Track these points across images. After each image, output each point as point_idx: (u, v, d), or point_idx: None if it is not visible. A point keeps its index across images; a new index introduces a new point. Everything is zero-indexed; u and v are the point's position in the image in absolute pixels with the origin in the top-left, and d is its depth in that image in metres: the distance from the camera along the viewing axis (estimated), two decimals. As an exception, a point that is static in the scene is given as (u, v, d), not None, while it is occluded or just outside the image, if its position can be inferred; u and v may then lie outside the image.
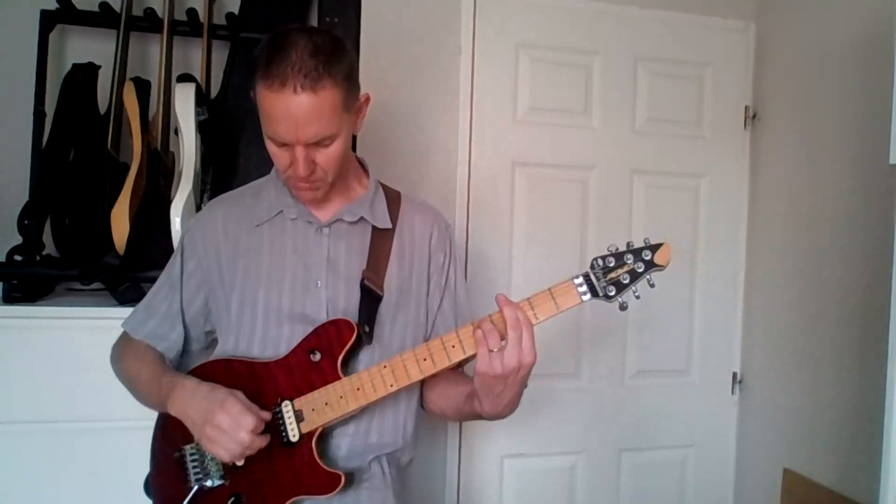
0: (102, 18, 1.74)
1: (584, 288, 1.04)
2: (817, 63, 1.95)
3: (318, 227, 1.18)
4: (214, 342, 1.25)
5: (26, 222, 1.53)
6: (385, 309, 1.18)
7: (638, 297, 1.04)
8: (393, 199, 1.26)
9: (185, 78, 1.73)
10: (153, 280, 1.61)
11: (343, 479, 1.07)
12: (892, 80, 1.19)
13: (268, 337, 1.16)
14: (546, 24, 2.06)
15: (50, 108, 1.69)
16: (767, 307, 2.11)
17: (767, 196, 2.16)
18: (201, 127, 1.67)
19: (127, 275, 1.53)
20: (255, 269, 1.17)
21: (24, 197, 1.60)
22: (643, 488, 2.20)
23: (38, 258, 1.55)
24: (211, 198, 1.72)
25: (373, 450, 1.18)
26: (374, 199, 1.22)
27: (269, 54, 1.02)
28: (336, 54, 1.04)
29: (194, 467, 1.12)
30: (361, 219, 1.20)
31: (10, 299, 1.50)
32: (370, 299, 1.16)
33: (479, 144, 2.01)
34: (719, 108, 2.21)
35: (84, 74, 1.72)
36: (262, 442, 1.05)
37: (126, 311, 1.49)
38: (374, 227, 1.20)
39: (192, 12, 1.78)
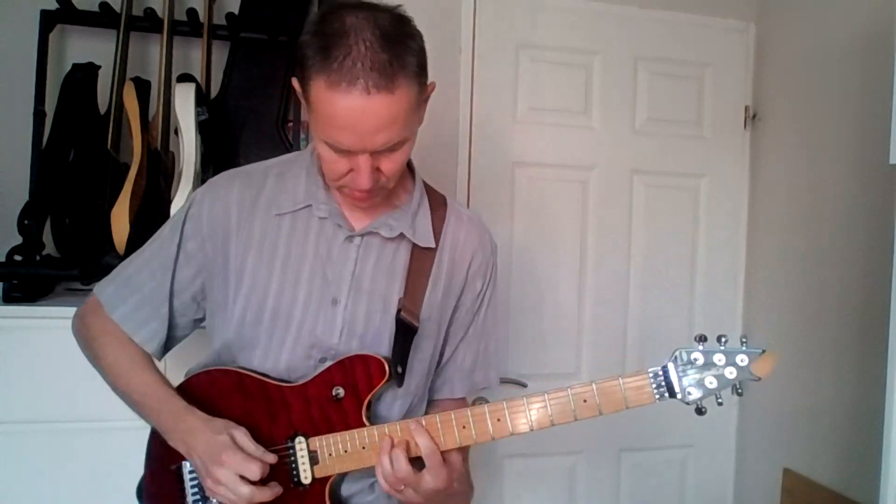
0: (102, 18, 1.73)
1: (661, 383, 0.90)
2: (817, 63, 1.95)
3: (349, 234, 1.01)
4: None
5: (26, 222, 1.53)
6: (415, 342, 1.03)
7: (720, 404, 0.92)
8: (437, 209, 1.08)
9: (185, 78, 1.73)
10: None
11: None
12: (892, 80, 1.19)
13: (269, 350, 1.01)
14: (546, 24, 2.06)
15: (50, 108, 1.69)
16: (767, 307, 2.11)
17: (767, 196, 2.16)
18: (201, 127, 1.67)
19: (127, 275, 1.52)
20: (267, 266, 1.01)
21: (24, 197, 1.60)
22: (643, 488, 2.20)
23: (38, 258, 1.55)
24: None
25: (373, 475, 1.04)
26: (417, 211, 1.05)
27: (325, 43, 0.83)
28: (408, 39, 0.87)
29: (192, 488, 1.01)
30: (400, 234, 1.02)
31: (10, 299, 1.49)
32: (405, 333, 1.00)
33: (479, 144, 2.01)
34: (719, 108, 2.21)
35: (84, 74, 1.72)
36: (269, 495, 0.93)
37: (126, 311, 1.49)
38: (414, 245, 1.03)
39: (192, 12, 1.78)
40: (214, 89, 1.84)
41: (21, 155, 1.66)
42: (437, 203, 1.09)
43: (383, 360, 0.97)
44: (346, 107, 0.83)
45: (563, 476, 2.13)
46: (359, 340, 1.01)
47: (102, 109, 1.74)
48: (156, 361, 1.10)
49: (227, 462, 0.90)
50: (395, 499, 1.02)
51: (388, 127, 0.86)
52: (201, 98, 1.69)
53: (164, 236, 1.08)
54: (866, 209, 1.75)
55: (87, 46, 1.80)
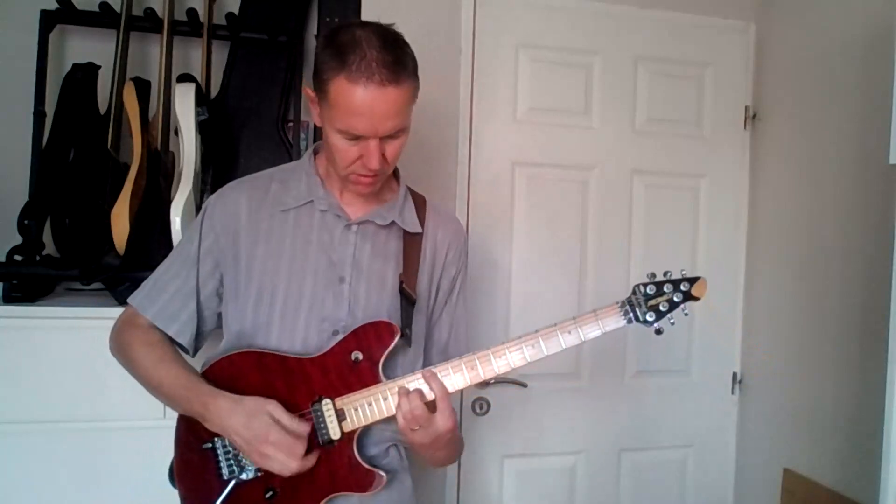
0: (102, 18, 1.74)
1: (627, 312, 1.12)
2: (817, 63, 1.95)
3: (348, 223, 1.18)
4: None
5: (26, 222, 1.53)
6: (413, 314, 1.20)
7: (673, 324, 1.14)
8: (419, 205, 1.27)
9: (185, 78, 1.73)
10: (153, 280, 1.62)
11: (385, 479, 1.11)
12: (892, 80, 1.19)
13: (285, 328, 1.14)
14: (546, 24, 2.06)
15: (50, 108, 1.69)
16: (767, 307, 2.11)
17: (767, 196, 2.16)
18: (201, 127, 1.68)
19: (127, 275, 1.53)
20: (276, 257, 1.15)
21: (24, 197, 1.60)
22: (643, 488, 2.20)
23: (38, 258, 1.55)
24: (211, 198, 1.72)
25: (389, 438, 1.20)
26: (404, 204, 1.24)
27: (339, 52, 1.02)
28: (405, 46, 1.07)
29: (228, 460, 1.11)
30: (392, 223, 1.20)
31: (10, 299, 1.50)
32: (407, 303, 1.17)
33: (479, 144, 2.01)
34: (719, 108, 2.21)
35: (84, 74, 1.72)
36: (312, 461, 1.06)
37: (126, 311, 1.50)
38: (405, 232, 1.21)
39: (192, 12, 1.78)
40: (214, 89, 1.85)
41: (21, 155, 1.66)
42: (419, 201, 1.28)
43: (393, 325, 1.12)
44: (364, 96, 1.01)
45: (563, 476, 2.13)
46: (363, 312, 1.15)
47: (102, 109, 1.74)
48: (187, 357, 1.20)
49: (275, 442, 1.03)
50: (405, 460, 1.24)
51: (396, 114, 1.05)
52: (201, 98, 1.69)
53: (184, 241, 1.23)
54: (866, 209, 1.75)
55: (87, 46, 1.81)
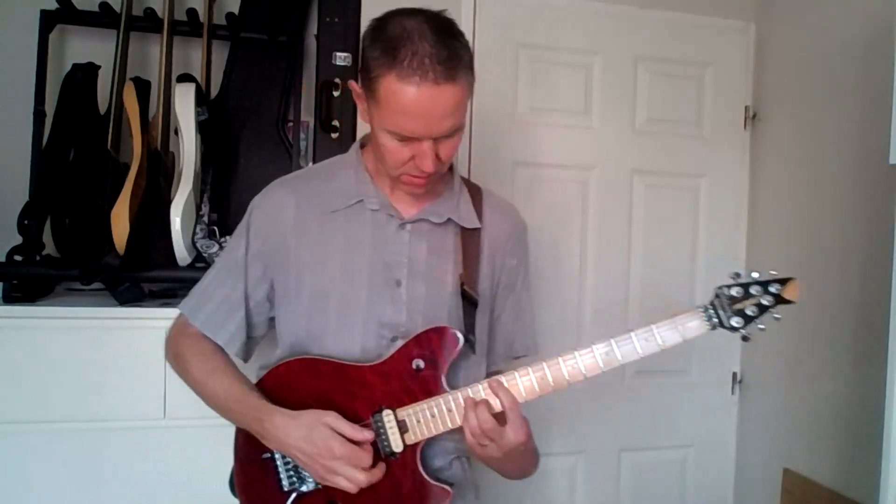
0: (102, 18, 1.74)
1: (711, 317, 1.02)
2: (817, 63, 1.95)
3: (401, 222, 1.10)
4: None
5: (26, 222, 1.53)
6: (476, 315, 1.12)
7: (762, 330, 1.03)
8: (475, 196, 1.18)
9: (185, 78, 1.73)
10: (153, 280, 1.62)
11: (451, 493, 1.04)
12: (892, 80, 1.19)
13: (341, 335, 1.07)
14: (546, 24, 2.06)
15: (50, 108, 1.69)
16: (767, 307, 2.11)
17: (767, 196, 2.16)
18: (201, 127, 1.67)
19: (127, 275, 1.53)
20: (328, 259, 1.09)
21: (24, 197, 1.60)
22: (643, 488, 2.20)
23: (38, 258, 1.55)
24: (211, 198, 1.72)
25: (453, 450, 1.14)
26: (459, 198, 1.15)
27: (388, 46, 0.93)
28: (459, 37, 0.97)
29: (288, 472, 1.06)
30: (448, 219, 1.12)
31: (10, 299, 1.49)
32: (468, 305, 1.10)
33: (479, 144, 2.01)
34: (719, 108, 2.21)
35: (84, 74, 1.72)
36: (379, 474, 1.00)
37: (126, 311, 1.50)
38: (462, 228, 1.13)
39: (192, 12, 1.78)
40: (214, 89, 1.84)
41: (21, 155, 1.66)
42: (474, 191, 1.19)
43: (457, 332, 1.05)
44: (418, 97, 0.93)
45: (563, 476, 2.13)
46: (422, 317, 1.08)
47: (102, 109, 1.73)
48: (238, 364, 1.15)
49: (340, 455, 0.97)
50: (469, 471, 1.16)
51: (453, 113, 0.96)
52: (201, 98, 1.69)
53: (231, 246, 1.17)
54: (866, 209, 1.75)
55: (87, 46, 1.80)
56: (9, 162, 1.71)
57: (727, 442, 2.25)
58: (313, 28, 1.86)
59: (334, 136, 1.67)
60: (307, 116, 1.87)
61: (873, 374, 1.65)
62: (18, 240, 1.53)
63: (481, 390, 1.02)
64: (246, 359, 1.17)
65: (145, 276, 1.56)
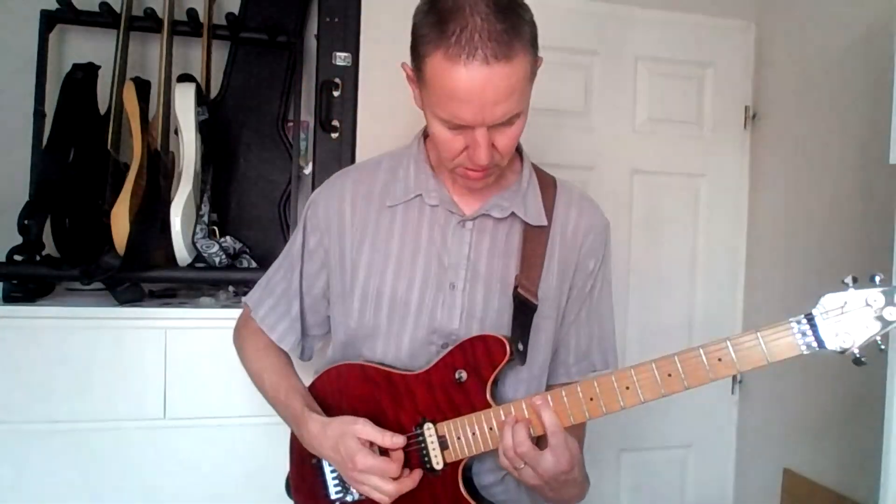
0: (102, 18, 1.73)
1: (808, 333, 0.83)
2: (817, 63, 1.94)
3: (462, 219, 1.01)
4: None
5: (26, 222, 1.53)
6: (536, 321, 1.01)
7: (883, 350, 0.81)
8: (547, 188, 1.07)
9: (185, 78, 1.73)
10: (153, 280, 1.62)
11: None
12: (893, 81, 1.19)
13: (390, 339, 1.02)
14: (546, 24, 2.04)
15: (50, 108, 1.69)
16: (767, 307, 2.11)
17: (767, 196, 2.16)
18: (201, 127, 1.67)
19: (127, 275, 1.53)
20: (383, 255, 1.03)
21: (24, 197, 1.60)
22: (643, 488, 2.20)
23: (38, 258, 1.55)
24: (211, 198, 1.72)
25: None
26: (527, 190, 1.05)
27: (438, 19, 0.83)
28: (521, 10, 0.86)
29: (334, 480, 1.03)
30: (512, 214, 1.02)
31: (10, 299, 1.49)
32: (524, 310, 0.99)
33: (479, 144, 2.01)
34: (719, 108, 2.21)
35: (84, 74, 1.72)
36: (411, 483, 0.94)
37: (126, 311, 1.50)
38: (526, 224, 1.03)
39: (192, 12, 1.78)
40: (214, 89, 1.84)
41: (21, 155, 1.66)
42: (547, 183, 1.08)
43: (503, 339, 0.95)
44: (466, 78, 0.82)
45: (563, 476, 2.13)
46: (479, 323, 1.00)
47: (102, 109, 1.73)
48: (294, 362, 1.14)
49: (364, 468, 0.91)
50: (529, 490, 1.02)
51: (508, 98, 0.85)
52: (201, 98, 1.69)
53: (291, 241, 1.14)
54: (866, 209, 1.75)
55: (87, 46, 1.81)
56: (9, 162, 1.71)
57: (727, 442, 2.25)
58: (313, 28, 1.86)
59: (334, 136, 1.67)
60: (307, 116, 1.87)
61: (873, 374, 1.65)
62: (18, 240, 1.53)
63: (524, 408, 0.93)
64: (304, 357, 1.14)
65: (145, 276, 1.56)
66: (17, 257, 1.51)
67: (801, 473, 1.94)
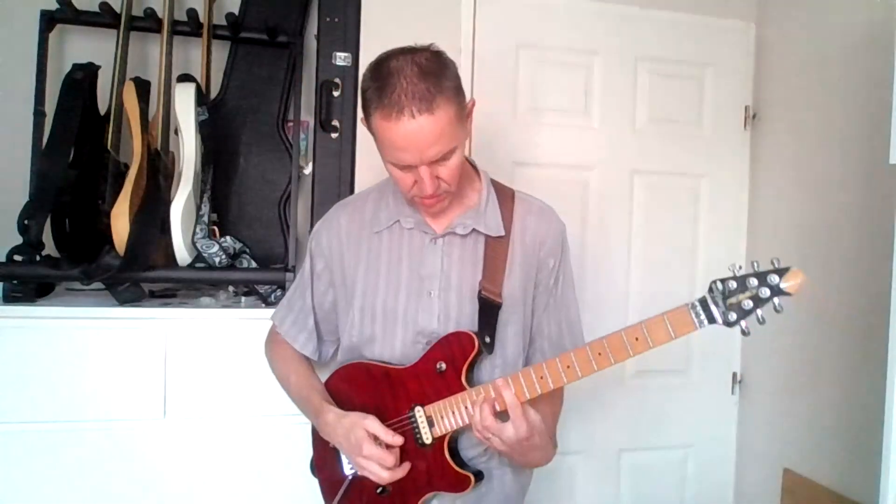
0: (102, 18, 1.74)
1: (702, 314, 1.02)
2: (817, 63, 1.95)
3: (433, 237, 1.22)
4: None
5: (26, 222, 1.53)
6: (502, 317, 1.21)
7: (763, 323, 0.99)
8: (506, 202, 1.26)
9: (185, 78, 1.73)
10: (153, 280, 1.63)
11: (472, 481, 1.16)
12: (893, 81, 1.19)
13: (385, 342, 1.22)
14: (546, 24, 2.06)
15: (50, 108, 1.69)
16: (767, 307, 2.11)
17: (767, 196, 2.16)
18: (201, 127, 1.67)
19: (127, 275, 1.53)
20: (374, 274, 1.24)
21: (24, 197, 1.60)
22: (643, 488, 2.20)
23: (38, 258, 1.55)
24: (211, 198, 1.72)
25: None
26: (486, 207, 1.24)
27: (377, 86, 1.04)
28: (442, 70, 1.06)
29: (349, 462, 1.22)
30: (473, 230, 1.22)
31: (10, 299, 1.50)
32: (489, 309, 1.19)
33: (479, 145, 2.01)
34: (719, 108, 2.21)
35: (84, 74, 1.71)
36: (402, 472, 1.15)
37: (126, 311, 1.51)
38: (487, 236, 1.22)
39: (192, 12, 1.78)
40: (214, 89, 1.84)
41: (21, 155, 1.66)
42: (506, 197, 1.27)
43: (472, 334, 1.16)
44: (399, 130, 1.03)
45: (563, 476, 2.13)
46: (454, 323, 1.20)
47: (102, 109, 1.73)
48: (314, 364, 1.36)
49: (367, 455, 1.12)
50: (506, 461, 1.25)
51: (438, 140, 1.05)
52: (201, 98, 1.69)
53: (303, 266, 1.36)
54: (866, 209, 1.75)
55: (87, 46, 1.81)
56: (9, 162, 1.71)
57: (727, 442, 2.25)
58: (313, 28, 1.86)
59: (334, 136, 1.67)
60: (307, 116, 1.88)
61: (873, 374, 1.65)
62: (18, 240, 1.53)
63: (491, 390, 1.12)
64: (322, 360, 1.36)
65: (145, 276, 1.56)
66: (18, 257, 1.51)
67: (801, 473, 1.94)
